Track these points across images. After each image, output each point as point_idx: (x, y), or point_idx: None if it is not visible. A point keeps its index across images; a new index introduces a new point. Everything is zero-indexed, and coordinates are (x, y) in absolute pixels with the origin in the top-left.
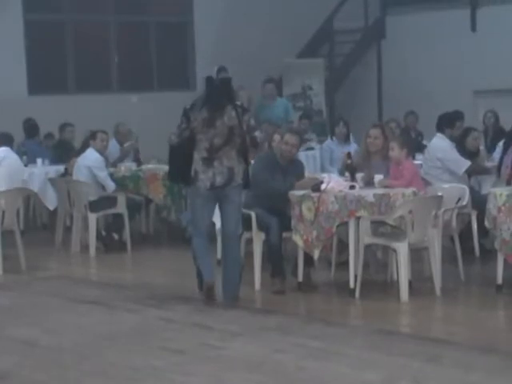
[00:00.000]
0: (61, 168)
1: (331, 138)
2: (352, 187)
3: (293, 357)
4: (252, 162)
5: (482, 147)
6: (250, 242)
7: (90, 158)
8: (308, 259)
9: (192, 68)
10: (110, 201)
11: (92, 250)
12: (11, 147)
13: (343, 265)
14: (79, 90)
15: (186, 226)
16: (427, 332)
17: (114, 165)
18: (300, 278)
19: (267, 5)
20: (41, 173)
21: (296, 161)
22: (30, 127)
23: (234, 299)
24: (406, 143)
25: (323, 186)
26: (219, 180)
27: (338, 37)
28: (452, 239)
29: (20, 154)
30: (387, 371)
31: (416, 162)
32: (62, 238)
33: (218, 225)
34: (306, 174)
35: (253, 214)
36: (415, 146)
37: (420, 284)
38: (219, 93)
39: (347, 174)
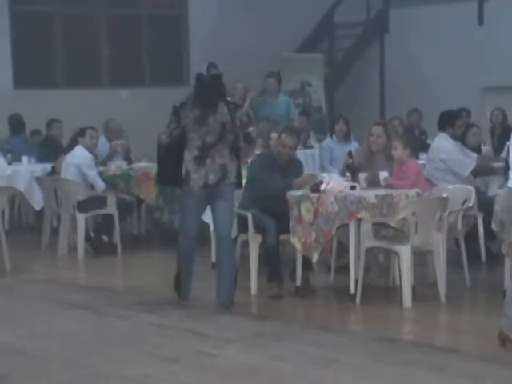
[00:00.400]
0: (48, 166)
1: (331, 137)
2: (353, 187)
3: (290, 364)
4: (247, 160)
5: (488, 147)
6: (245, 244)
7: (79, 155)
8: (306, 263)
9: (186, 63)
10: (100, 201)
11: (80, 253)
12: None
13: (343, 269)
14: (68, 84)
15: (179, 228)
16: (431, 340)
17: (104, 163)
18: (298, 282)
19: None
20: (27, 171)
21: (295, 160)
22: (16, 123)
23: (229, 304)
24: (410, 142)
25: (323, 187)
26: (212, 178)
27: (338, 31)
28: (457, 243)
29: (4, 151)
30: (389, 381)
31: (420, 161)
32: (48, 239)
33: (212, 226)
34: (305, 172)
35: (249, 216)
36: (419, 144)
37: (424, 289)
38: (210, 89)
39: (348, 174)
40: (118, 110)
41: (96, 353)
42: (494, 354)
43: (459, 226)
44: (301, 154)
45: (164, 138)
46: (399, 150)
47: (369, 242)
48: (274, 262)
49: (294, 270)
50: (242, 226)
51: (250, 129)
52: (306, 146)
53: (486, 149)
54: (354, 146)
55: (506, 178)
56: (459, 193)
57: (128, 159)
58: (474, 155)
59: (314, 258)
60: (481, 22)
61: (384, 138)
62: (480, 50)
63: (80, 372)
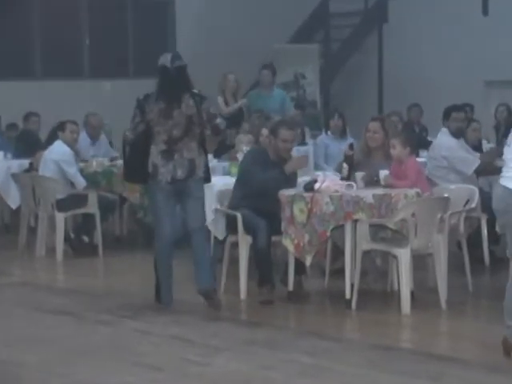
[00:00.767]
0: (25, 162)
1: (326, 133)
2: (349, 186)
3: (282, 374)
4: (212, 149)
5: (492, 144)
6: (235, 246)
7: (58, 151)
8: (299, 266)
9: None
10: (80, 199)
11: (59, 254)
12: None
13: (338, 273)
14: (46, 75)
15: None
16: (430, 348)
17: (85, 159)
18: (290, 286)
19: None
20: (2, 167)
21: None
22: None
23: (211, 289)
24: (409, 140)
25: (317, 186)
26: (180, 173)
27: (334, 20)
28: (459, 245)
29: None
30: None
31: (420, 159)
32: (25, 240)
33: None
34: (299, 170)
35: (238, 216)
36: (419, 142)
37: (423, 295)
38: (174, 82)
39: (345, 165)
40: (101, 102)
41: (75, 360)
42: (496, 362)
43: (461, 227)
44: (294, 150)
45: (129, 135)
46: (398, 149)
47: (366, 244)
48: (265, 265)
49: (285, 274)
50: (232, 227)
51: (218, 120)
52: (300, 143)
53: (490, 146)
54: (350, 142)
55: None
56: (462, 193)
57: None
58: (477, 154)
59: (308, 261)
60: (485, 12)
61: (381, 134)
62: (484, 42)
63: (59, 380)
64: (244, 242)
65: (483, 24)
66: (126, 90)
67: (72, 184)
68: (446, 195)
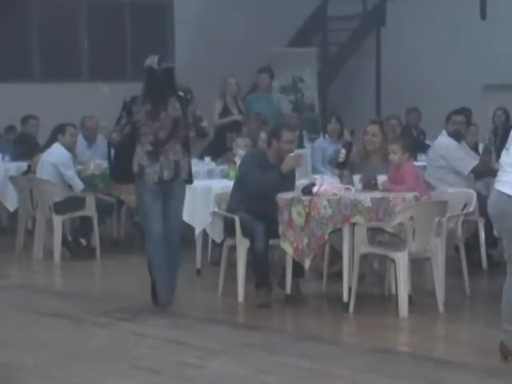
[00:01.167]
0: (23, 165)
1: (323, 136)
2: (347, 190)
3: (279, 378)
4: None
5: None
6: (233, 249)
7: (56, 154)
8: (297, 269)
9: (171, 55)
10: (78, 202)
11: (57, 257)
12: None
13: (336, 276)
14: (44, 77)
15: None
16: (428, 352)
17: (81, 162)
18: (288, 290)
19: None
20: (0, 170)
21: None
22: None
23: (169, 302)
24: (408, 145)
25: (315, 189)
26: (167, 174)
27: (332, 24)
28: (457, 249)
29: None
30: None
31: (418, 163)
32: (23, 242)
33: (198, 230)
34: (297, 173)
35: (236, 219)
36: (417, 145)
37: (421, 298)
38: (161, 84)
39: (343, 150)
40: (99, 105)
41: (72, 363)
42: (494, 366)
43: (459, 231)
44: None
45: (115, 137)
46: (398, 155)
47: (363, 247)
48: (263, 268)
49: (283, 277)
50: (229, 230)
51: (204, 123)
52: (298, 146)
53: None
54: (351, 129)
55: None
56: (459, 197)
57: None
58: (477, 156)
59: (307, 264)
60: (483, 16)
61: (380, 137)
62: (482, 46)
63: (56, 383)
64: (242, 245)
65: (481, 28)
66: (125, 93)
67: (70, 187)
68: (444, 199)
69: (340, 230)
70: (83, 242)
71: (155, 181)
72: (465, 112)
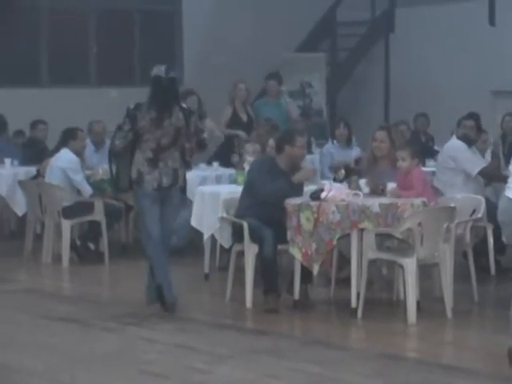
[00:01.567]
0: (32, 169)
1: (332, 142)
2: (356, 195)
3: (288, 383)
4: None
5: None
6: (241, 254)
7: (64, 158)
8: (305, 275)
9: (179, 62)
10: (86, 207)
11: (65, 261)
12: None
13: (344, 282)
14: (53, 82)
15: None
16: (436, 358)
17: (89, 166)
18: (296, 295)
19: None
20: (9, 174)
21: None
22: None
23: (173, 307)
24: (417, 151)
25: (323, 194)
26: (165, 181)
27: (341, 29)
28: (465, 255)
29: None
30: None
31: (426, 169)
32: (31, 247)
33: (206, 235)
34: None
35: (245, 224)
36: (425, 151)
37: (429, 304)
38: (167, 92)
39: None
40: (107, 110)
41: (80, 368)
42: (502, 372)
43: (467, 237)
44: None
45: (119, 144)
46: (407, 161)
47: (372, 253)
48: (271, 274)
49: (291, 283)
50: (238, 236)
51: (205, 135)
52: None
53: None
54: (355, 151)
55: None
56: (468, 202)
57: None
58: (483, 164)
59: (315, 269)
60: (492, 22)
61: (388, 143)
62: (491, 52)
63: None
64: (250, 250)
65: (490, 34)
66: (132, 98)
67: (78, 191)
68: (452, 205)
69: (348, 235)
70: (91, 246)
71: (154, 187)
72: (473, 117)
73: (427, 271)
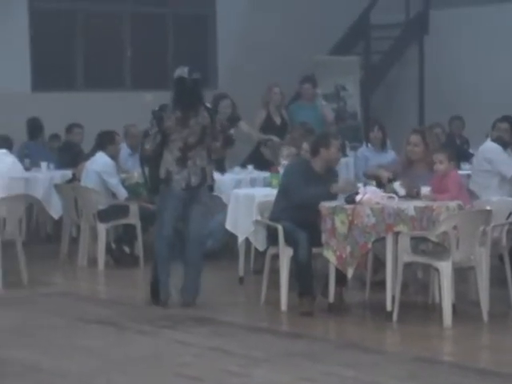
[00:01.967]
0: (67, 173)
1: (366, 145)
2: (391, 199)
3: None
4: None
5: None
6: (275, 257)
7: (100, 162)
8: (340, 278)
9: (213, 65)
10: (122, 210)
11: (100, 265)
12: (10, 150)
13: (379, 285)
14: (88, 86)
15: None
16: (473, 362)
17: (124, 170)
18: (331, 298)
19: None
20: (45, 178)
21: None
22: (34, 127)
23: (193, 303)
24: (453, 154)
25: (358, 198)
26: (194, 180)
27: (375, 32)
28: (501, 258)
29: (22, 156)
30: None
31: (462, 172)
32: (67, 250)
33: (241, 238)
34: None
35: (279, 227)
36: (460, 154)
37: (465, 308)
38: (191, 92)
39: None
40: (142, 113)
41: (116, 371)
42: None
43: (504, 240)
44: None
45: (148, 148)
46: (444, 164)
47: (407, 256)
48: (306, 277)
49: (326, 286)
50: (272, 239)
51: (231, 131)
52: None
53: None
54: (390, 155)
55: None
56: (504, 205)
57: None
58: None
59: (349, 273)
60: None
61: (422, 146)
62: None
63: None
64: (285, 253)
65: None
66: (167, 101)
67: (113, 195)
68: (488, 208)
69: (383, 238)
70: (127, 249)
71: (182, 187)
72: (508, 119)
73: (463, 274)
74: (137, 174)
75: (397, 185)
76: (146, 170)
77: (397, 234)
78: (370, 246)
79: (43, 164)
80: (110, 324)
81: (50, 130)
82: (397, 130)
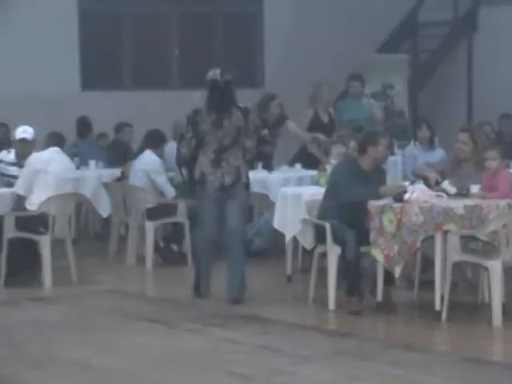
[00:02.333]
0: (116, 171)
1: (414, 143)
2: (439, 197)
3: None
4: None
5: None
6: (323, 256)
7: (148, 160)
8: (388, 277)
9: (260, 63)
10: (170, 208)
11: (149, 263)
12: (62, 148)
13: (427, 284)
14: (136, 85)
15: (252, 239)
16: None
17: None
18: (379, 297)
19: None
20: (94, 176)
21: (379, 167)
22: (83, 126)
23: (241, 299)
24: (505, 152)
25: (406, 196)
26: (228, 180)
27: (423, 30)
28: None
29: (71, 155)
30: None
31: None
32: (116, 248)
33: (288, 237)
34: (388, 181)
35: (327, 226)
36: (510, 153)
37: None
38: (224, 94)
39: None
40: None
41: (166, 368)
42: None
43: None
44: None
45: (185, 151)
46: (498, 161)
47: (456, 255)
48: (354, 276)
49: (374, 285)
50: (320, 237)
51: (265, 132)
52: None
53: None
54: (438, 153)
55: None
56: None
57: None
58: None
59: (397, 272)
60: None
61: (470, 145)
62: None
63: None
64: (333, 252)
65: None
66: None
67: (161, 193)
68: None
69: (432, 237)
70: (175, 248)
71: (217, 187)
72: None
73: None
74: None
75: (446, 183)
76: (184, 171)
77: (445, 232)
78: (418, 244)
79: (92, 162)
80: (159, 322)
81: (99, 129)
82: (445, 129)
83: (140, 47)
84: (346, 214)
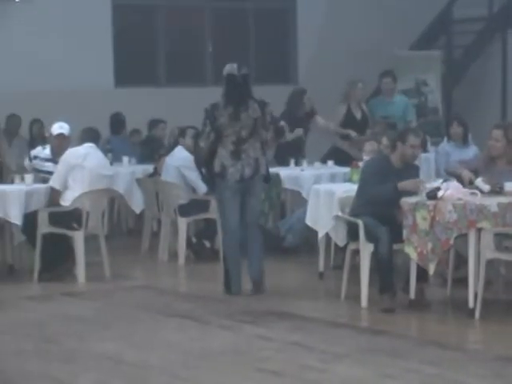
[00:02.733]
0: (149, 167)
1: (447, 140)
2: (473, 194)
3: (403, 383)
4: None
5: None
6: (356, 253)
7: (179, 156)
8: (421, 274)
9: (293, 59)
10: (202, 205)
11: (181, 259)
12: (97, 144)
13: (461, 281)
14: (170, 82)
15: (284, 235)
16: None
17: None
18: (412, 294)
19: None
20: (127, 172)
21: (411, 164)
22: (116, 122)
23: (261, 280)
24: None
25: (440, 193)
26: (248, 172)
27: (457, 26)
28: None
29: (105, 151)
30: None
31: None
32: (148, 244)
33: (321, 234)
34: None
35: (360, 223)
36: None
37: None
38: (241, 88)
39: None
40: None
41: (197, 364)
42: None
43: None
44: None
45: (203, 145)
46: None
47: (490, 253)
48: (387, 273)
49: (407, 282)
50: (353, 234)
51: (282, 123)
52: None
53: None
54: (472, 150)
55: None
56: None
57: None
58: None
59: (431, 269)
60: None
61: (503, 142)
62: None
63: (180, 383)
64: (366, 249)
65: None
66: None
67: (193, 189)
68: None
69: (465, 235)
70: (207, 244)
71: (237, 179)
72: None
73: None
74: None
75: (479, 181)
76: (204, 171)
77: (479, 230)
78: (451, 242)
79: (125, 158)
80: (191, 318)
81: (132, 125)
82: (479, 125)
83: (173, 43)
84: (379, 210)
